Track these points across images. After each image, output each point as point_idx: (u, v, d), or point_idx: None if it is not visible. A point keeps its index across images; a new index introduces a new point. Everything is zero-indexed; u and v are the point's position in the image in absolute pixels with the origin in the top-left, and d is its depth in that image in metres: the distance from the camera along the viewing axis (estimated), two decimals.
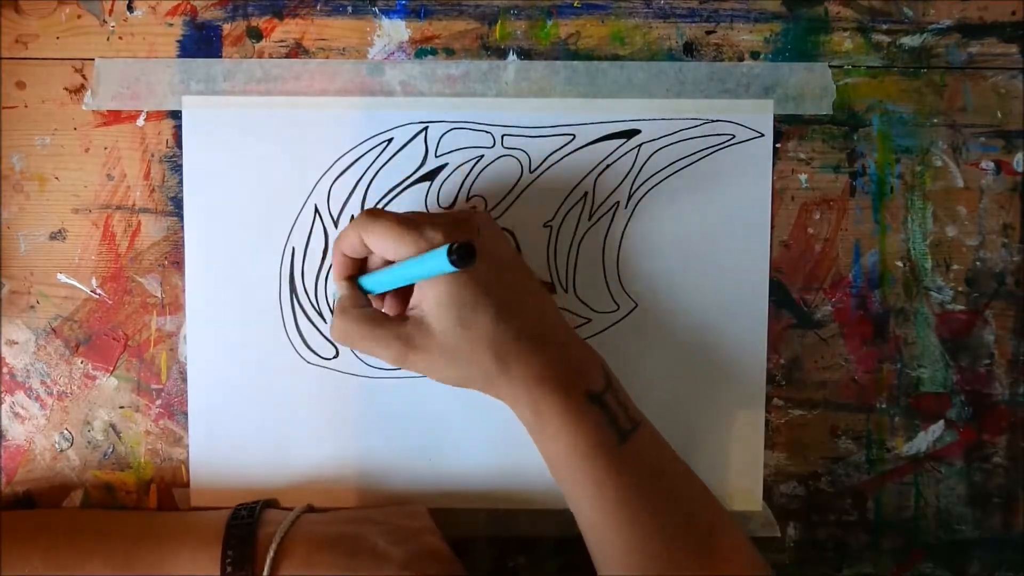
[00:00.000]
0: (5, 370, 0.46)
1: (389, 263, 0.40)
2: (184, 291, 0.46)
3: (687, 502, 0.40)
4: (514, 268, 0.41)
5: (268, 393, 0.46)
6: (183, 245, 0.46)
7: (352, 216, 0.46)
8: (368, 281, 0.41)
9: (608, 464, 0.38)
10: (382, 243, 0.39)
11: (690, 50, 0.46)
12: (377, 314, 0.40)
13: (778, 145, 0.47)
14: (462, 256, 0.34)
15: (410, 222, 0.38)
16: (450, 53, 0.46)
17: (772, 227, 0.47)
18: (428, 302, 0.38)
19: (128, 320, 0.46)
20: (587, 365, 0.40)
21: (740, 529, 0.41)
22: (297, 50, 0.46)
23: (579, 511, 0.40)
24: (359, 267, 0.42)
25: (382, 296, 0.42)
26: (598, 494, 0.38)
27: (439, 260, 0.35)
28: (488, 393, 0.40)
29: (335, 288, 0.43)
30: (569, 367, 0.39)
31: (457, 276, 0.38)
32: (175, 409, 0.47)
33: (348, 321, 0.40)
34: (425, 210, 0.46)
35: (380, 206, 0.46)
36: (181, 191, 0.46)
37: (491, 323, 0.38)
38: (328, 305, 0.46)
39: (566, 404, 0.38)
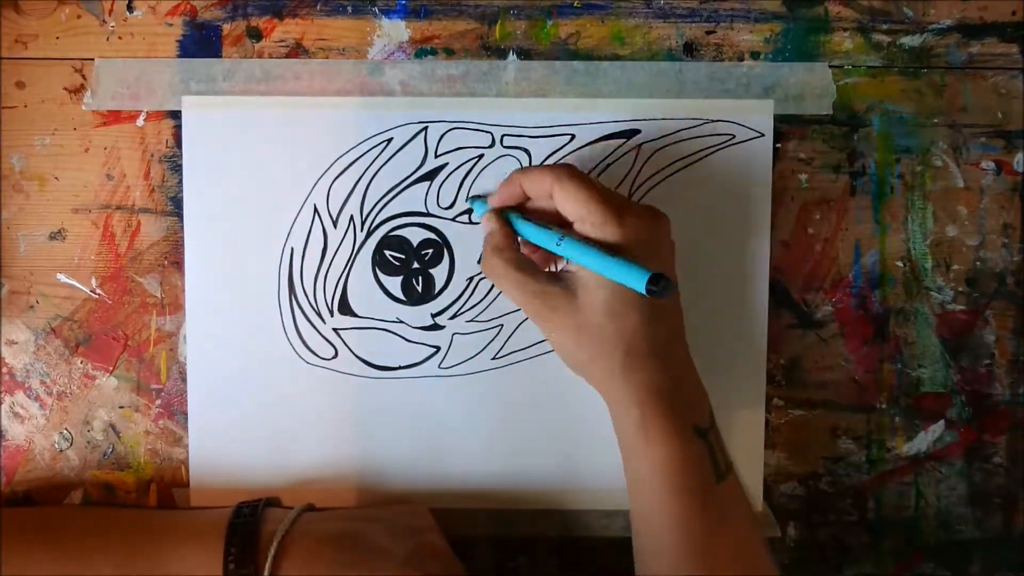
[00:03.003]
0: (5, 370, 0.46)
1: (548, 211, 0.40)
2: (184, 291, 0.46)
3: (756, 556, 0.39)
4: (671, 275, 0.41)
5: (267, 393, 0.46)
6: (183, 245, 0.46)
7: (352, 217, 0.46)
8: (525, 228, 0.41)
9: (704, 502, 0.38)
10: (575, 209, 0.39)
11: (690, 50, 0.46)
12: (528, 262, 0.40)
13: (778, 145, 0.47)
14: (661, 288, 0.35)
15: (611, 204, 0.38)
16: (450, 53, 0.46)
17: (772, 227, 0.47)
18: (585, 276, 0.38)
19: (128, 320, 0.46)
20: (699, 398, 0.40)
21: None
22: (297, 50, 0.46)
23: (655, 533, 0.39)
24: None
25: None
26: (686, 525, 0.38)
27: (631, 277, 0.35)
28: (599, 390, 0.40)
29: (480, 212, 0.43)
30: (685, 395, 0.39)
31: None
32: (175, 409, 0.47)
33: (501, 261, 0.40)
34: (425, 210, 0.46)
35: (379, 206, 0.46)
36: (181, 191, 0.46)
37: (638, 325, 0.38)
38: (327, 305, 0.46)
39: (673, 430, 0.38)
